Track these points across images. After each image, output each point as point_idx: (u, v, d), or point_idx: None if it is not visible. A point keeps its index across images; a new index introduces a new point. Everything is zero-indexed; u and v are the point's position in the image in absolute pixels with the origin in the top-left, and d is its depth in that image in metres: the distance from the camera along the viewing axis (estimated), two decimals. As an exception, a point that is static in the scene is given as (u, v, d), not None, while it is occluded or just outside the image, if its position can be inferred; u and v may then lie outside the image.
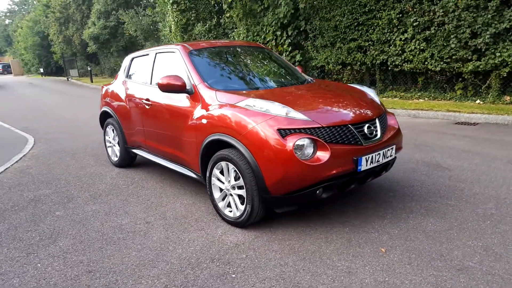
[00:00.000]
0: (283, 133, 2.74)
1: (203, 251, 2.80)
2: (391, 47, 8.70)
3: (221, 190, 3.26)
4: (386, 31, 8.71)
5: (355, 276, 2.39)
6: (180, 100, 3.56)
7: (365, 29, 9.13)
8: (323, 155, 2.74)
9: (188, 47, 3.86)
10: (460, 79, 8.19)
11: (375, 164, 3.01)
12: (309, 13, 10.34)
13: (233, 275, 2.46)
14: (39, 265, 2.70)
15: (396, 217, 3.17)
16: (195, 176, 3.55)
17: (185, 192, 4.01)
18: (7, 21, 51.42)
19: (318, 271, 2.46)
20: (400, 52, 8.56)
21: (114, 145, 5.05)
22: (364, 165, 2.91)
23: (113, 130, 4.99)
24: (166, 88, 3.41)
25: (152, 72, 4.22)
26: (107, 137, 5.23)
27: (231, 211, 3.19)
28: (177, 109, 3.62)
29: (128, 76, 4.79)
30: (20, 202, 3.90)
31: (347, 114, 3.03)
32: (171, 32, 14.77)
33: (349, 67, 9.96)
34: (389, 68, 8.99)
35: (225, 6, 11.74)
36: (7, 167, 5.21)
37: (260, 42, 11.45)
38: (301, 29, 10.63)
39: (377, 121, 3.13)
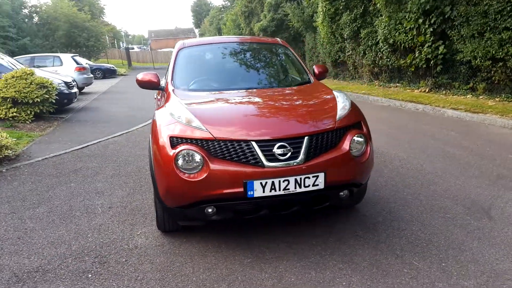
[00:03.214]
0: (175, 141, 2.54)
1: (98, 242, 2.92)
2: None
3: None
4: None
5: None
6: (155, 96, 3.70)
7: (526, 13, 6.79)
8: (203, 172, 2.42)
9: (183, 44, 3.92)
10: None
11: (282, 192, 2.43)
12: (456, -5, 8.39)
13: (89, 275, 2.52)
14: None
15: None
16: None
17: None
18: (220, 16, 60.89)
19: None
20: None
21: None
22: (259, 191, 2.40)
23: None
24: (141, 84, 3.59)
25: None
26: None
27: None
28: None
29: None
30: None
31: (259, 128, 2.53)
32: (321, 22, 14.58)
33: (501, 63, 7.65)
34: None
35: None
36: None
37: (401, 32, 10.07)
38: (445, 16, 8.75)
39: (304, 140, 2.49)
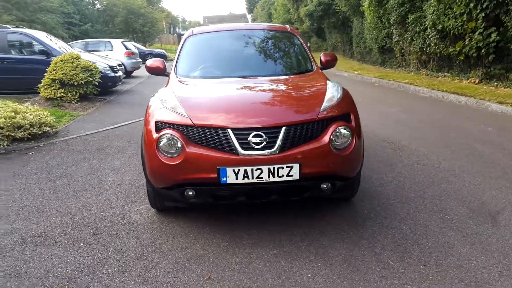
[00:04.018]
0: (160, 125, 2.66)
1: (98, 215, 3.15)
2: None
3: None
4: None
5: None
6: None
7: None
8: (181, 156, 2.52)
9: (192, 32, 4.01)
10: None
11: (255, 181, 2.47)
12: (515, -24, 7.60)
13: (81, 244, 2.76)
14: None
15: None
16: None
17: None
18: (272, 1, 60.26)
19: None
20: None
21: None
22: (233, 178, 2.45)
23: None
24: (150, 70, 3.75)
25: None
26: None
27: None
28: None
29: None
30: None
31: (237, 117, 2.57)
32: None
33: (559, 54, 6.88)
34: None
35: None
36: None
37: (450, 17, 9.37)
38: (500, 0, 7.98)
39: (281, 131, 2.49)
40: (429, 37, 10.76)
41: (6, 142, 4.97)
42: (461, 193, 3.42)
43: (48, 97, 8.08)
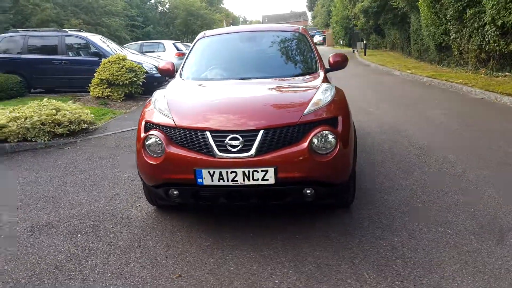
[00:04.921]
0: (148, 126, 2.79)
1: (103, 209, 3.35)
2: None
3: None
4: None
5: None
6: None
7: None
8: (162, 157, 2.61)
9: (203, 34, 4.11)
10: None
11: (229, 183, 2.48)
12: None
13: (79, 235, 2.97)
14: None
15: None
16: None
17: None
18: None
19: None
20: None
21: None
22: (208, 180, 2.49)
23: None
24: (161, 72, 3.91)
25: None
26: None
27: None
28: None
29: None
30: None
31: (217, 119, 2.61)
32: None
33: None
34: None
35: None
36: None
37: (512, 11, 8.51)
38: None
39: (259, 134, 2.47)
40: (488, 33, 9.86)
41: (47, 137, 5.47)
42: (475, 206, 3.12)
43: (97, 95, 8.74)
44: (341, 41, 40.42)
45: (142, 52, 13.88)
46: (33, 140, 5.35)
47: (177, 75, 3.70)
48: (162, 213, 3.25)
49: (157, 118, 2.76)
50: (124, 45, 14.57)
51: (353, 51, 30.22)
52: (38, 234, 2.99)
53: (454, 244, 2.59)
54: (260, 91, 3.10)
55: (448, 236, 2.70)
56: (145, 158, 2.68)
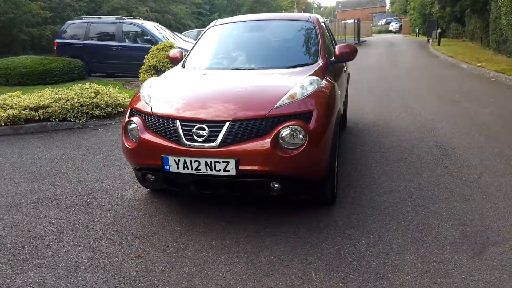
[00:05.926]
0: (133, 112, 2.96)
1: (104, 187, 3.61)
2: None
3: None
4: None
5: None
6: None
7: None
8: (137, 142, 2.75)
9: (214, 23, 4.19)
10: None
11: (193, 172, 2.55)
12: None
13: (73, 209, 3.26)
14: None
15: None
16: None
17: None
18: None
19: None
20: None
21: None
22: (174, 167, 2.59)
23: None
24: (171, 60, 4.05)
25: None
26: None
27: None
28: None
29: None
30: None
31: (188, 109, 2.70)
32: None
33: None
34: None
35: None
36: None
37: None
38: None
39: (225, 125, 2.51)
40: None
41: (84, 118, 5.98)
42: (471, 215, 2.84)
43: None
44: (417, 29, 37.68)
45: (197, 40, 14.33)
46: (72, 120, 5.90)
47: (180, 63, 3.82)
48: (153, 196, 3.43)
49: (139, 105, 2.92)
50: (183, 32, 15.13)
51: (428, 41, 28.14)
52: (40, 206, 3.34)
53: (423, 253, 2.40)
54: (242, 83, 3.09)
55: (421, 243, 2.50)
56: (125, 142, 2.86)
